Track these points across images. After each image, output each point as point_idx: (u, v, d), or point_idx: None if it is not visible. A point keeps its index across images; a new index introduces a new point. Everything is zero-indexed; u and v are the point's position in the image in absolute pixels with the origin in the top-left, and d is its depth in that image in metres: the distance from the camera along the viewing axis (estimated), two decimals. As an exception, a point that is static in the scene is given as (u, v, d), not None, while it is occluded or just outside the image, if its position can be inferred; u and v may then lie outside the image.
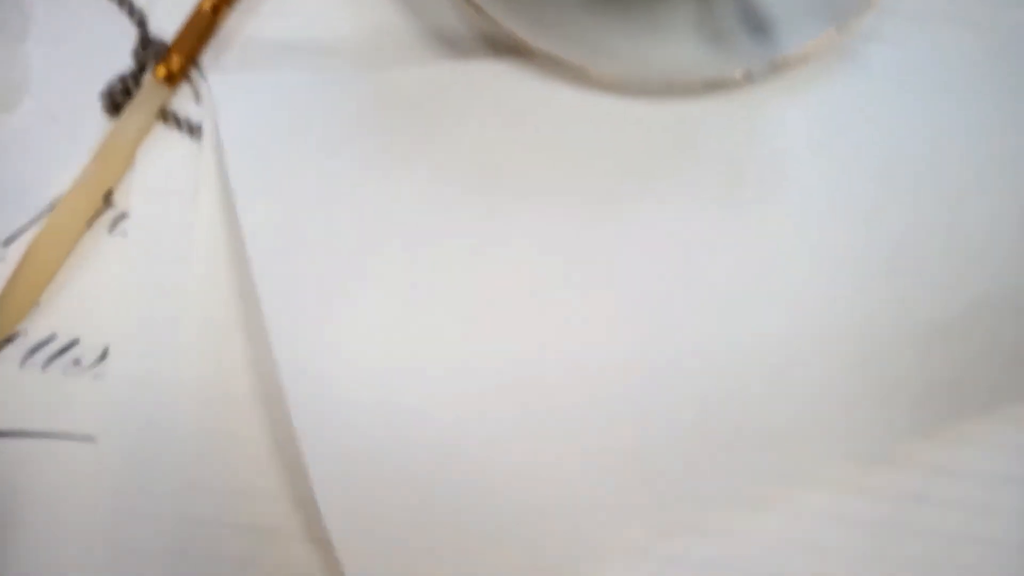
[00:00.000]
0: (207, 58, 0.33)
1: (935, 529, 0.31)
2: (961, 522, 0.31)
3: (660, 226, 0.30)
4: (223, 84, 0.32)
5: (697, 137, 0.31)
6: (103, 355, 0.31)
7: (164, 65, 0.32)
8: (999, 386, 0.31)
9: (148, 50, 0.33)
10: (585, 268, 0.30)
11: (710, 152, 0.31)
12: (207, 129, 0.32)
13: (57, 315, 0.31)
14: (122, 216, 0.32)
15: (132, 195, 0.32)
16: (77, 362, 0.31)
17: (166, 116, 0.32)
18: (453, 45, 0.33)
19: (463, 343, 0.29)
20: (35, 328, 0.31)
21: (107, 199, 0.32)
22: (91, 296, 0.31)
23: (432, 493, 0.29)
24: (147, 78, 0.32)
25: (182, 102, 0.32)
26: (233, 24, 0.33)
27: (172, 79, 0.32)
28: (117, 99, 0.32)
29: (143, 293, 0.31)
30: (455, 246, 0.30)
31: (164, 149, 0.32)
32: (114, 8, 0.33)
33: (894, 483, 0.31)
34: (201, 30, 0.32)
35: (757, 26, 0.31)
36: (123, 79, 0.32)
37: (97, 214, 0.32)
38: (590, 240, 0.30)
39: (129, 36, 0.33)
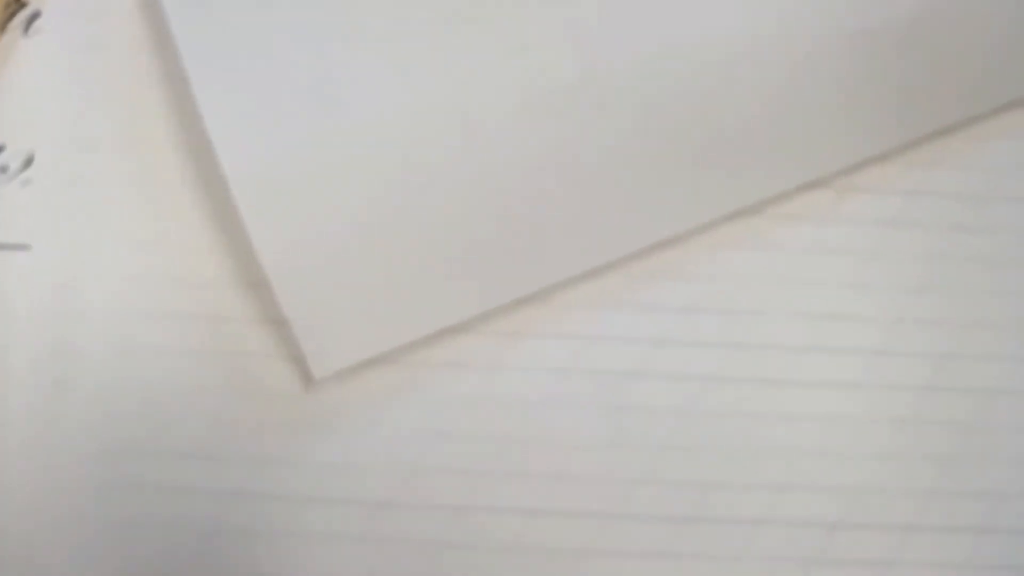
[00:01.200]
0: None
1: (915, 252, 0.30)
2: (941, 242, 0.30)
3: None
4: None
5: None
6: (29, 160, 0.29)
7: None
8: (963, 100, 0.30)
9: None
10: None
11: None
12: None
13: (-22, 125, 0.30)
14: (36, 15, 0.30)
15: (45, -10, 0.30)
16: (4, 169, 0.29)
17: (72, -98, 0.31)
18: None
19: (403, 56, 0.28)
20: (-43, 140, 0.29)
21: (19, -1, 0.30)
22: (12, 101, 0.30)
23: (391, 242, 0.27)
24: None
25: None
26: None
27: None
28: None
29: (64, 90, 0.29)
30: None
31: (74, -64, 0.30)
32: None
33: (869, 209, 0.30)
34: None
35: None
36: None
37: (10, 16, 0.30)
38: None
39: None
